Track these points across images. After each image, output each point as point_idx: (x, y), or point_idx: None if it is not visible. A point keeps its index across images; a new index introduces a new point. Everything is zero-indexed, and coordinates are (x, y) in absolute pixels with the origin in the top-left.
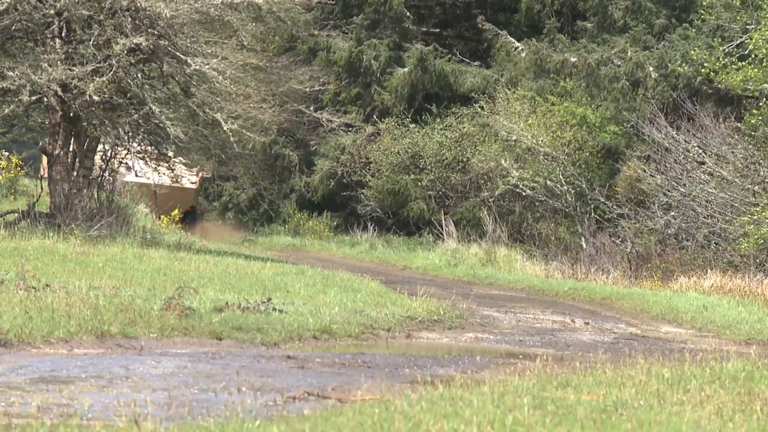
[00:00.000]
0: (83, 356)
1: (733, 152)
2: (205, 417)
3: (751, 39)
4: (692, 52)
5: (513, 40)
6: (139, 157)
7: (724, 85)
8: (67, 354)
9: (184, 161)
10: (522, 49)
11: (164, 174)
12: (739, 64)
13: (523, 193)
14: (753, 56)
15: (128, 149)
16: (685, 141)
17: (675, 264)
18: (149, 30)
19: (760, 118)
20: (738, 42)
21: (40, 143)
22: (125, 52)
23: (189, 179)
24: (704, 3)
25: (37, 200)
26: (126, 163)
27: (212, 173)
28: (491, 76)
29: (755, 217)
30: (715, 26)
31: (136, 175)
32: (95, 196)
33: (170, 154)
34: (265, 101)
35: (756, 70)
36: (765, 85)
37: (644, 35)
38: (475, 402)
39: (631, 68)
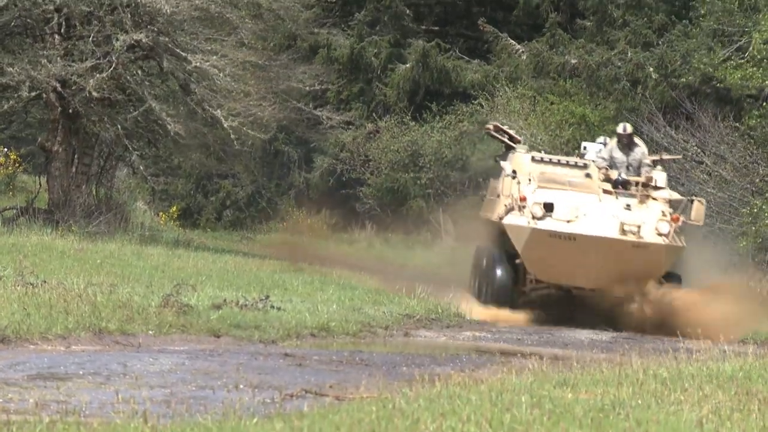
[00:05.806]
0: (81, 353)
1: (731, 151)
2: (203, 414)
3: (751, 40)
4: (693, 56)
5: (514, 42)
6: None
7: (724, 85)
8: (65, 350)
9: (669, 198)
10: (523, 51)
11: (614, 220)
12: (739, 61)
13: None
14: (752, 56)
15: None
16: (684, 140)
17: None
18: (149, 26)
19: (759, 119)
20: (737, 45)
21: (39, 139)
22: (125, 48)
23: (657, 228)
24: (703, 6)
25: (36, 196)
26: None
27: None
28: (491, 71)
29: (755, 210)
30: (715, 28)
31: (534, 218)
32: (94, 192)
33: (658, 181)
34: (265, 99)
35: (754, 68)
36: (765, 82)
37: (644, 29)
38: (473, 400)
39: (631, 69)
